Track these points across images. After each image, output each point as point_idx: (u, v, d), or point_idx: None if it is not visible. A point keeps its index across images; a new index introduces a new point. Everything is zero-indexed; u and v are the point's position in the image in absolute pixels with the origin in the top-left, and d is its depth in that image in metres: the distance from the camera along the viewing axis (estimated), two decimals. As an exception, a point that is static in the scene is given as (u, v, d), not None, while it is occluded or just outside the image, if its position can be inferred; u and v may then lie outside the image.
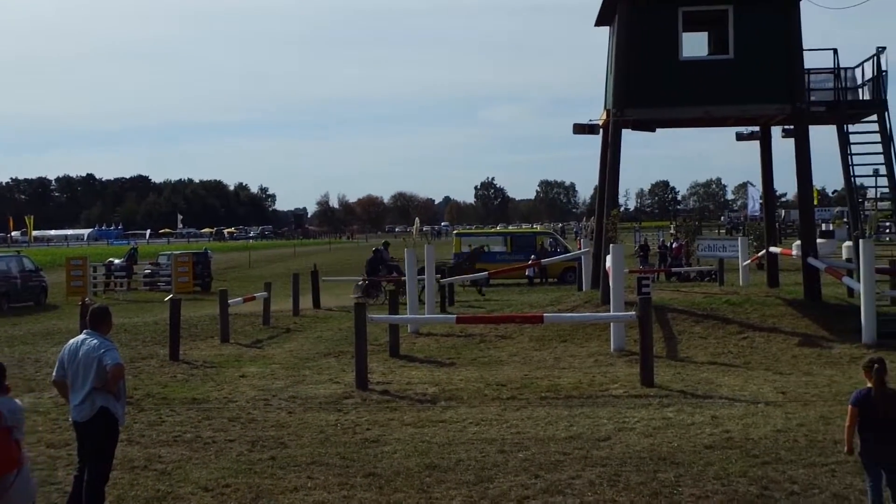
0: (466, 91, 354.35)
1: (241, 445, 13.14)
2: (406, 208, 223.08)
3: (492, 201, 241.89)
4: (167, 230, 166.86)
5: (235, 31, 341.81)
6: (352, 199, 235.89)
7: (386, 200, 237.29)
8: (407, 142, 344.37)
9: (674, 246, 48.95)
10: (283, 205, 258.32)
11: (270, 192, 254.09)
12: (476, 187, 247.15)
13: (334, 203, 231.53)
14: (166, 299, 25.75)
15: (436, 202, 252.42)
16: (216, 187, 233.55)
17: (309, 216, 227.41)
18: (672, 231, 61.54)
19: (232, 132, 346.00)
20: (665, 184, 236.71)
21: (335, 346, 22.96)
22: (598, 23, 27.68)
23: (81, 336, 9.84)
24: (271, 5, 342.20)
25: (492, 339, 22.57)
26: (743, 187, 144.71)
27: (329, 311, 31.85)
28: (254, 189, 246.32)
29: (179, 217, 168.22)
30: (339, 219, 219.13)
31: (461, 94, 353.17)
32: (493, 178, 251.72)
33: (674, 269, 42.37)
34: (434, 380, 18.11)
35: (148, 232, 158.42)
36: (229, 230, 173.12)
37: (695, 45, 26.37)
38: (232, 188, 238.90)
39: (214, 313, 27.15)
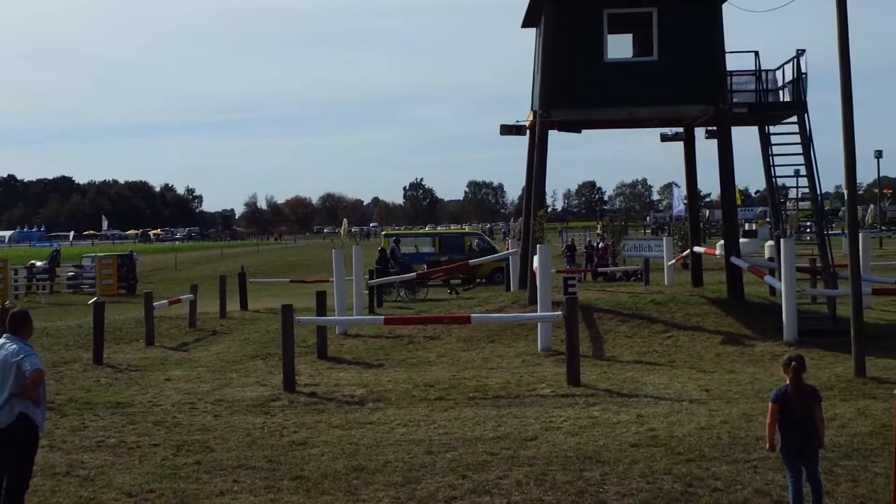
0: (395, 91, 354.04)
1: (166, 450, 13.00)
2: (335, 209, 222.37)
3: (421, 202, 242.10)
4: (91, 232, 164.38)
5: (160, 30, 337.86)
6: (280, 199, 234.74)
7: (314, 201, 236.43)
8: (335, 142, 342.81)
9: (600, 246, 49.34)
10: (210, 206, 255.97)
11: (197, 193, 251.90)
12: (405, 188, 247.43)
13: (262, 204, 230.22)
14: (90, 302, 25.39)
15: (364, 203, 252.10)
16: (142, 188, 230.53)
17: (237, 217, 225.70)
18: (598, 231, 62.04)
19: (158, 132, 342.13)
20: (592, 184, 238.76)
21: (262, 349, 22.82)
22: (525, 24, 27.86)
23: (0, 341, 9.66)
24: (196, 4, 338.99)
25: (420, 341, 22.60)
26: (668, 188, 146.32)
27: (256, 313, 31.63)
28: (180, 190, 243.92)
29: (104, 219, 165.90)
30: (267, 220, 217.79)
31: (390, 94, 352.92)
32: (421, 179, 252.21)
33: (600, 269, 42.70)
34: (362, 381, 18.07)
35: (72, 234, 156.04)
36: (155, 232, 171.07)
37: (620, 46, 26.64)
38: (158, 189, 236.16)
39: (139, 316, 26.80)
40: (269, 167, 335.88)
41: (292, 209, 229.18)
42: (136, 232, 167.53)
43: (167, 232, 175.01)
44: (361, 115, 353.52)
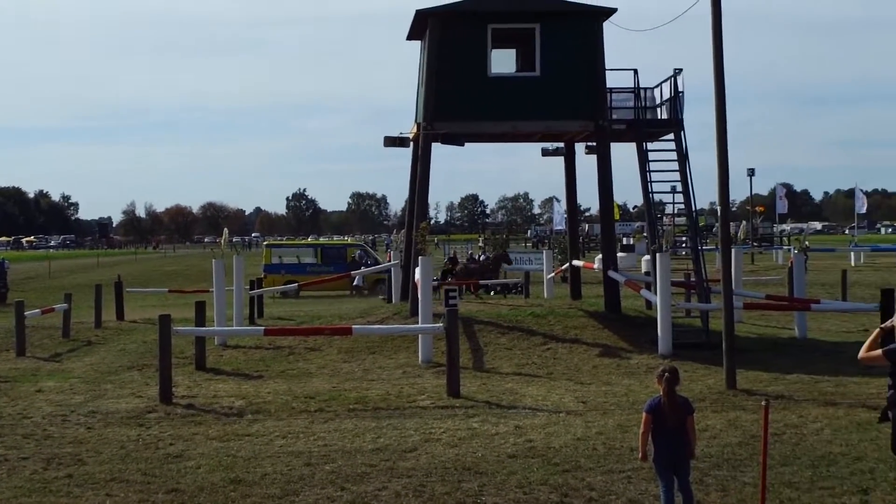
0: (277, 100, 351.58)
1: (36, 463, 12.68)
2: (216, 218, 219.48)
3: (303, 212, 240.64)
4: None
5: (34, 30, 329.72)
6: (159, 208, 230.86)
7: (195, 210, 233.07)
8: (217, 151, 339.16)
9: (482, 259, 49.64)
10: (86, 213, 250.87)
11: (73, 199, 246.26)
12: (287, 198, 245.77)
13: (141, 212, 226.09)
14: (-41, 311, 24.62)
15: (246, 213, 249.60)
16: (14, 194, 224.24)
17: (114, 225, 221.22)
18: (480, 244, 62.46)
19: (32, 136, 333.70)
20: (474, 197, 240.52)
21: (139, 360, 22.42)
22: (410, 37, 27.95)
23: None
24: (74, 6, 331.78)
25: (301, 352, 22.47)
26: (549, 202, 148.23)
27: (133, 323, 31.06)
28: (55, 197, 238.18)
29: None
30: (145, 228, 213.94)
31: (271, 103, 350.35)
32: (304, 190, 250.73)
33: (481, 282, 42.99)
34: (241, 393, 17.90)
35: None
36: (28, 239, 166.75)
37: (504, 61, 26.93)
38: (32, 195, 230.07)
39: (10, 325, 26.09)
40: (149, 175, 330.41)
41: (172, 218, 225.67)
42: (8, 239, 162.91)
43: (41, 239, 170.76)
44: (245, 124, 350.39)
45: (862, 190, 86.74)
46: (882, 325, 9.33)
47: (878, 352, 8.89)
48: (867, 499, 10.47)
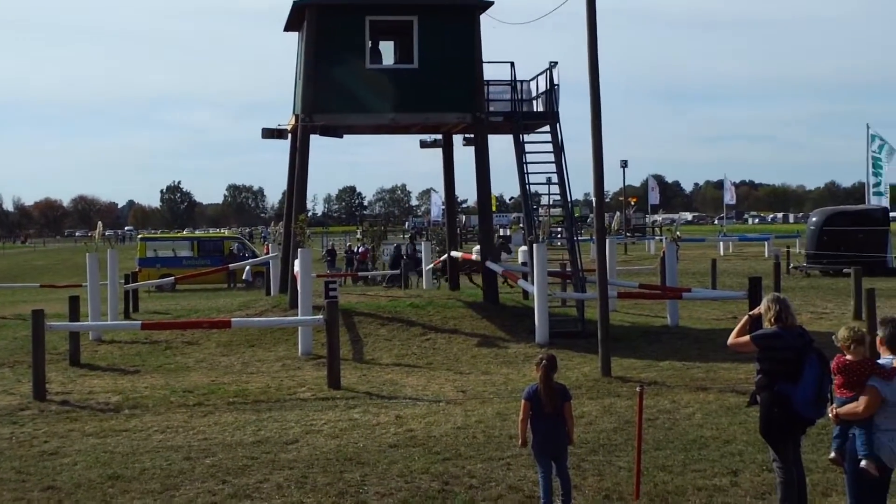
0: (152, 93, 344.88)
1: None
2: (87, 212, 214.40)
3: (178, 205, 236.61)
4: None
5: None
6: (28, 201, 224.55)
7: (66, 204, 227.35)
8: (88, 143, 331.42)
9: (360, 251, 49.70)
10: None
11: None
12: (162, 191, 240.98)
13: (8, 206, 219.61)
14: None
15: (119, 206, 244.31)
16: None
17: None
18: (359, 236, 62.42)
19: None
20: (352, 189, 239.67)
21: (10, 356, 21.83)
22: (288, 28, 27.79)
23: None
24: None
25: (178, 346, 22.20)
26: (427, 193, 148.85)
27: (3, 319, 30.27)
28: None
29: None
30: (13, 222, 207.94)
31: (144, 95, 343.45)
32: (179, 182, 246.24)
33: (360, 274, 43.05)
34: (117, 388, 17.63)
35: None
36: None
37: (382, 53, 26.97)
38: None
39: None
40: (17, 168, 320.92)
41: (41, 211, 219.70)
42: None
43: None
44: (115, 115, 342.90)
45: (731, 181, 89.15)
46: (750, 313, 9.68)
47: (746, 338, 9.22)
48: (737, 480, 10.84)
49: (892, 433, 7.99)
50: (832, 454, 8.47)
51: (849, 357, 8.22)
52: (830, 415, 8.38)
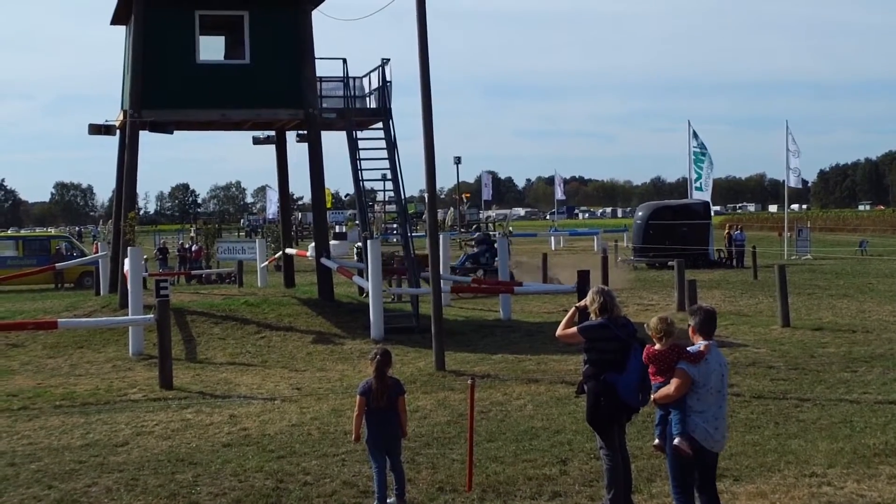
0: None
1: None
2: None
3: (2, 204, 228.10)
4: None
5: None
6: None
7: None
8: None
9: (194, 249, 48.93)
10: None
11: None
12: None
13: None
14: None
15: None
16: None
17: None
18: (192, 234, 61.41)
19: None
20: (185, 186, 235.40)
21: None
22: (115, 21, 27.17)
23: None
24: None
25: (2, 349, 21.47)
26: (262, 190, 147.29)
27: None
28: None
29: None
30: None
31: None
32: (2, 180, 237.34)
33: (194, 272, 42.38)
34: (-64, 394, 16.98)
35: None
36: None
37: (213, 48, 26.61)
38: None
39: None
40: None
41: None
42: None
43: None
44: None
45: (561, 177, 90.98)
46: (577, 304, 9.97)
47: (573, 329, 9.50)
48: (566, 468, 11.13)
49: (705, 414, 8.40)
50: (656, 441, 8.80)
51: (657, 347, 8.65)
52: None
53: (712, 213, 50.00)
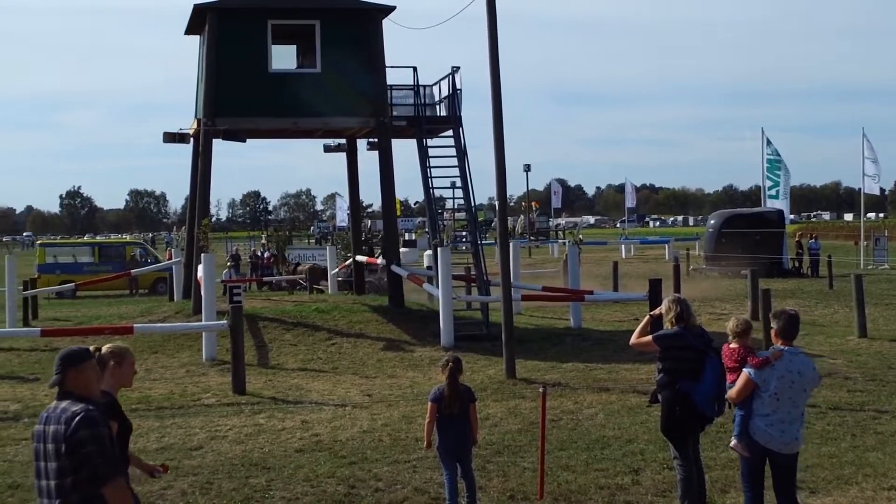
0: (45, 94, 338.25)
1: None
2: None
3: (78, 211, 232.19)
4: None
5: None
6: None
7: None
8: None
9: (265, 256, 49.37)
10: None
11: None
12: (61, 196, 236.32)
13: None
14: None
15: (17, 211, 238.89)
16: None
17: None
18: (263, 241, 61.99)
19: None
20: (256, 194, 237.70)
21: None
22: (189, 31, 27.53)
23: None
24: None
25: (79, 353, 21.79)
26: (332, 198, 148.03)
27: None
28: None
29: None
30: None
31: (40, 97, 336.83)
32: (79, 187, 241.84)
33: (265, 279, 42.75)
34: (16, 396, 17.30)
35: None
36: None
37: (285, 57, 26.86)
38: None
39: None
40: None
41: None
42: None
43: None
44: (11, 119, 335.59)
45: (632, 184, 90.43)
46: (651, 313, 9.92)
47: (649, 338, 9.48)
48: (638, 478, 11.06)
49: (769, 417, 8.44)
50: (733, 441, 8.82)
51: (733, 345, 8.82)
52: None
53: (786, 222, 49.32)
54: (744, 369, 8.51)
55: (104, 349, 7.06)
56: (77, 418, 5.88)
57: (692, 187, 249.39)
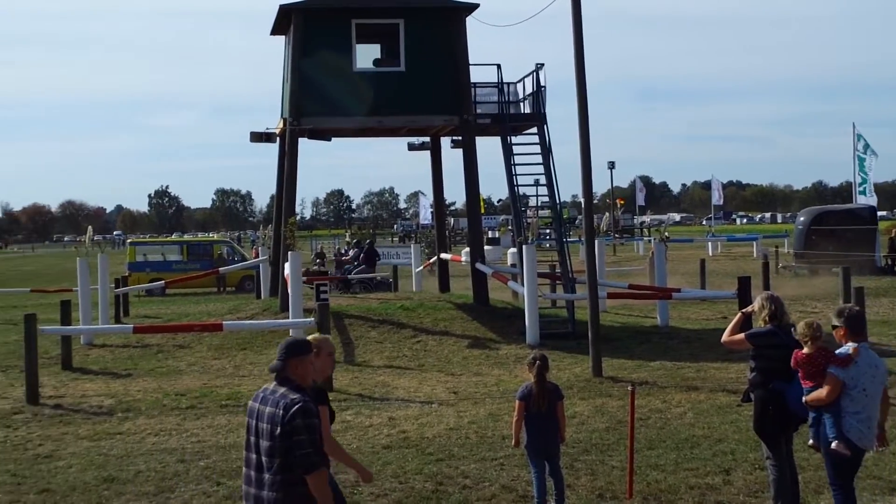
0: (137, 96, 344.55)
1: None
2: (75, 217, 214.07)
3: (166, 210, 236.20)
4: None
5: None
6: (16, 207, 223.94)
7: (54, 209, 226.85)
8: (72, 148, 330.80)
9: (350, 254, 49.65)
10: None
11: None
12: (150, 195, 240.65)
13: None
14: None
15: (108, 211, 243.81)
16: None
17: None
18: (347, 239, 62.43)
19: None
20: (340, 192, 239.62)
21: (1, 361, 21.77)
22: (274, 32, 27.81)
23: None
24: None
25: (170, 349, 22.20)
26: (415, 196, 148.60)
27: (-7, 324, 30.23)
28: None
29: None
30: (2, 228, 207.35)
31: (131, 98, 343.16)
32: (167, 186, 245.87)
33: (350, 277, 42.99)
34: (110, 392, 17.64)
35: None
36: None
37: (369, 56, 27.00)
38: None
39: None
40: (4, 173, 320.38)
41: (30, 217, 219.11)
42: None
43: None
44: (102, 119, 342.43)
45: (718, 181, 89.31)
46: (743, 310, 9.79)
47: (741, 336, 9.37)
48: (729, 478, 10.92)
49: (860, 415, 8.42)
50: (810, 441, 8.86)
51: (805, 350, 8.67)
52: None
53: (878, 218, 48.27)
54: (829, 370, 8.45)
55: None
56: (295, 407, 6.38)
57: (780, 184, 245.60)
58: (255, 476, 6.60)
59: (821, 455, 8.93)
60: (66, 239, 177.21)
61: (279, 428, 6.37)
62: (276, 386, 6.63)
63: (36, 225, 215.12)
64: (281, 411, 6.39)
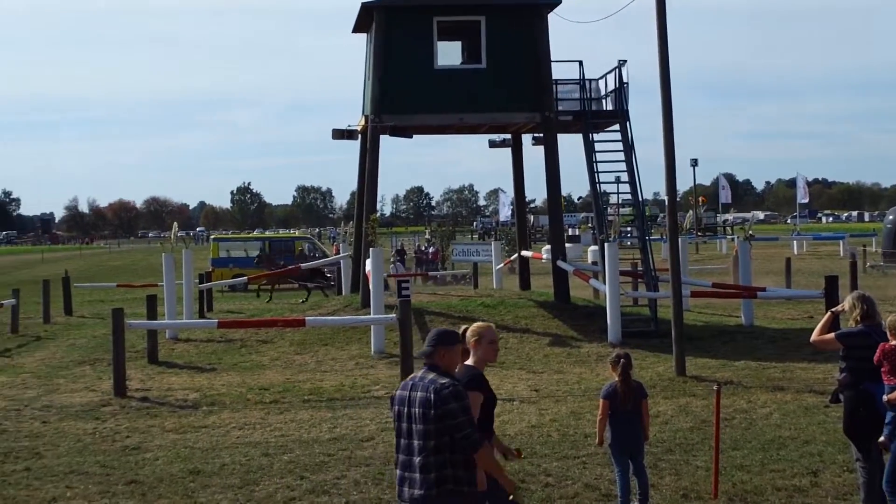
0: (218, 93, 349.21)
1: (-7, 458, 12.65)
2: (160, 213, 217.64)
3: (248, 206, 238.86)
4: None
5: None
6: (103, 203, 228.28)
7: (138, 205, 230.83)
8: (159, 145, 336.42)
9: (430, 251, 49.87)
10: (28, 209, 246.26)
11: (14, 195, 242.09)
12: (232, 192, 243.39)
13: (84, 207, 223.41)
14: None
15: (191, 207, 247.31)
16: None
17: (56, 221, 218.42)
18: (427, 236, 62.63)
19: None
20: (420, 189, 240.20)
21: (90, 354, 22.26)
22: (356, 30, 27.97)
23: None
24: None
25: (253, 344, 22.44)
26: (495, 193, 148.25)
27: (82, 318, 30.83)
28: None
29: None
30: (89, 224, 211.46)
31: (212, 96, 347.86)
32: (249, 183, 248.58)
33: (430, 273, 43.16)
34: (195, 385, 17.91)
35: None
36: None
37: (450, 53, 27.02)
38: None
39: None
40: (91, 170, 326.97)
41: (115, 213, 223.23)
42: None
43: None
44: (184, 117, 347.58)
45: (804, 178, 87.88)
46: (832, 309, 9.63)
47: (831, 335, 9.22)
48: (817, 480, 10.75)
49: None
50: (882, 437, 8.70)
51: (893, 342, 8.53)
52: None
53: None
54: None
55: (469, 329, 7.70)
56: (446, 390, 6.68)
57: (867, 181, 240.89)
58: (409, 460, 6.88)
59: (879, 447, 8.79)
60: (150, 235, 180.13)
61: (433, 411, 6.65)
62: (425, 372, 6.90)
63: (121, 221, 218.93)
64: (433, 396, 6.67)
